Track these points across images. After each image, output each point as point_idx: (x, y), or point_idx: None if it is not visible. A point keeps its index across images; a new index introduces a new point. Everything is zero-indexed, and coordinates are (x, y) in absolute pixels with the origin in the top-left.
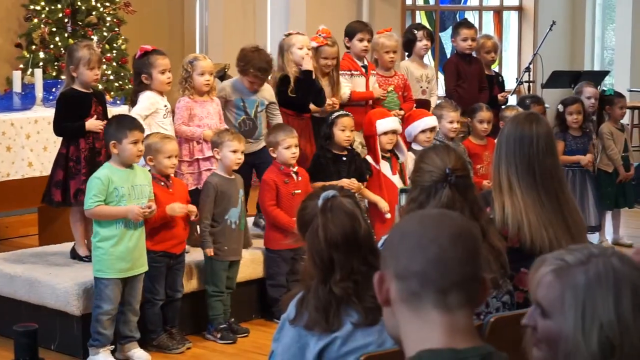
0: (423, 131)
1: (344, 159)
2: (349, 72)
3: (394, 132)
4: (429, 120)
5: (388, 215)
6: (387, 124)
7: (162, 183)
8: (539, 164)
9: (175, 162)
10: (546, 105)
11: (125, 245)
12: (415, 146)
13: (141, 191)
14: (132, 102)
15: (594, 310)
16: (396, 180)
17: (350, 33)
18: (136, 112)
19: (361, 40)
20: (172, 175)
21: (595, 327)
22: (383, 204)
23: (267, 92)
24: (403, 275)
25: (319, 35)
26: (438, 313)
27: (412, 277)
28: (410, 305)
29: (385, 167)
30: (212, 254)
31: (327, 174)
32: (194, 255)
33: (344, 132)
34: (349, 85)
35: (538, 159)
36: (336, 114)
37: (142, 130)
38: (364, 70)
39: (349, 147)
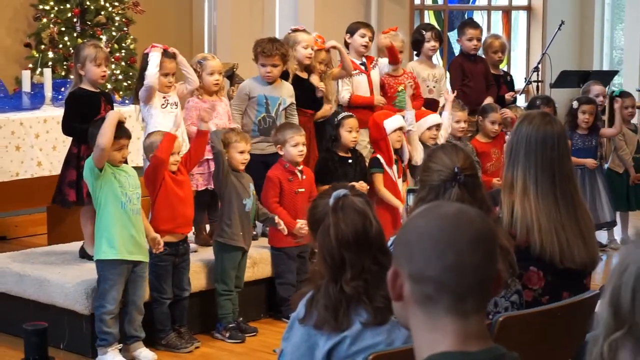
0: (429, 129)
1: (350, 161)
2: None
3: (400, 129)
4: (434, 118)
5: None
6: (394, 122)
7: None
8: (559, 167)
9: (177, 159)
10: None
11: (126, 227)
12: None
13: (135, 182)
14: (135, 97)
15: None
16: (400, 183)
17: (352, 30)
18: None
19: (363, 36)
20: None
21: None
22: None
23: (288, 91)
24: (418, 278)
25: (317, 39)
26: (452, 319)
27: (428, 282)
28: (424, 308)
29: (394, 171)
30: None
31: (335, 177)
32: (203, 254)
33: (351, 133)
34: (349, 88)
35: (559, 162)
36: (341, 115)
37: (128, 136)
38: (363, 67)
39: (353, 148)
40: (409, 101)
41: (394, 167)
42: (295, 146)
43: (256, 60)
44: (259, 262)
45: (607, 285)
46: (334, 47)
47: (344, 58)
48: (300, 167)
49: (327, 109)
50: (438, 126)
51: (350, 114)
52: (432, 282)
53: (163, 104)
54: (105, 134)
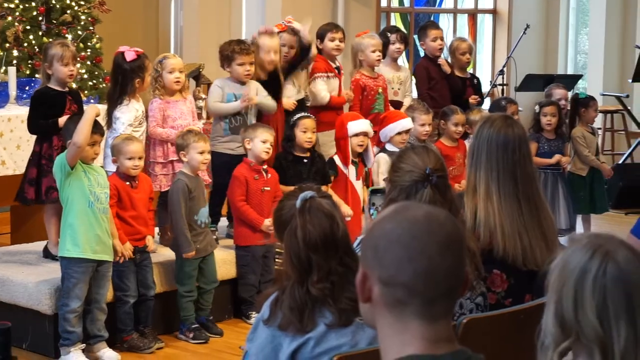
0: (399, 133)
1: (305, 160)
2: (325, 75)
3: (365, 134)
4: (405, 122)
5: (348, 218)
6: (358, 125)
7: (128, 182)
8: (521, 170)
9: (137, 163)
10: (519, 108)
11: (92, 226)
12: (389, 147)
13: (104, 181)
14: (115, 103)
15: None
16: (359, 186)
17: (321, 35)
18: (127, 123)
19: (332, 39)
20: (136, 175)
21: None
22: (345, 208)
23: (255, 87)
24: (388, 283)
25: (282, 22)
26: (421, 322)
27: (399, 287)
28: (393, 311)
29: (351, 172)
30: (194, 254)
31: (287, 176)
32: (166, 254)
33: (305, 133)
34: (326, 87)
35: (520, 164)
36: (298, 115)
37: (101, 133)
38: (337, 71)
39: (311, 149)
40: None
41: (352, 168)
42: (264, 142)
43: (227, 63)
44: (223, 263)
45: (548, 297)
46: (294, 29)
47: (303, 34)
48: (265, 166)
49: (290, 105)
50: (408, 131)
51: (308, 114)
52: (403, 286)
53: (140, 122)
54: (82, 132)
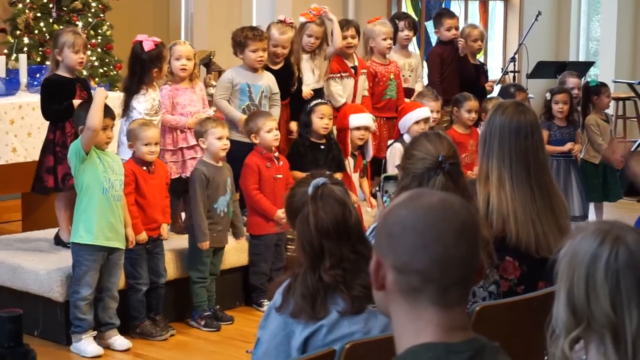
0: (417, 122)
1: (322, 147)
2: (338, 75)
3: (366, 128)
4: (421, 112)
5: (369, 208)
6: (360, 119)
7: (145, 167)
8: (534, 157)
9: (153, 149)
10: (530, 95)
11: (105, 213)
12: (407, 138)
13: (119, 168)
14: (133, 93)
15: None
16: (355, 178)
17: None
18: (144, 112)
19: (343, 37)
20: (152, 161)
21: None
22: (355, 198)
23: (269, 79)
24: (403, 270)
25: (310, 11)
26: (436, 310)
27: (413, 274)
28: (408, 298)
29: (349, 164)
30: (208, 247)
31: (304, 163)
32: (178, 242)
33: (322, 119)
34: (340, 89)
35: (533, 151)
36: (314, 102)
37: (112, 117)
38: (353, 71)
39: (328, 136)
40: None
41: (351, 160)
42: (270, 132)
43: (240, 49)
44: (234, 250)
45: (558, 286)
46: (329, 19)
47: (335, 30)
48: (277, 154)
49: (307, 93)
50: (426, 119)
51: (324, 101)
52: (418, 274)
53: (157, 111)
54: (95, 115)
